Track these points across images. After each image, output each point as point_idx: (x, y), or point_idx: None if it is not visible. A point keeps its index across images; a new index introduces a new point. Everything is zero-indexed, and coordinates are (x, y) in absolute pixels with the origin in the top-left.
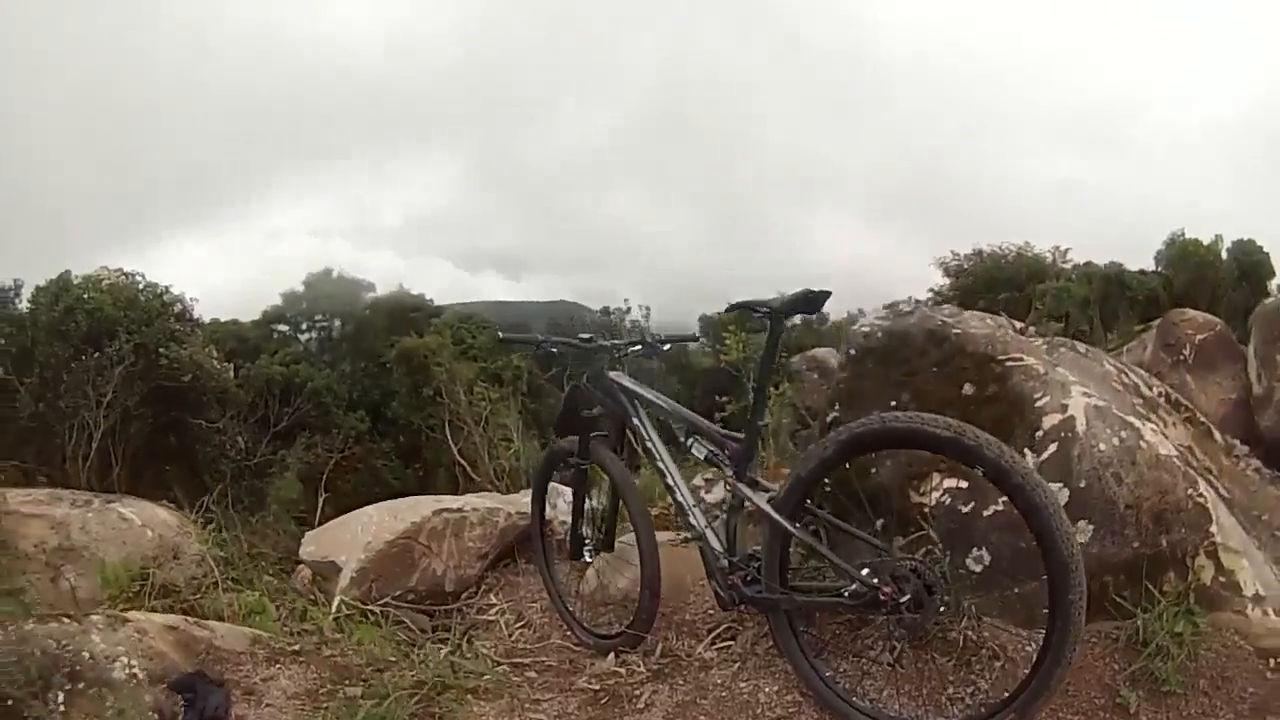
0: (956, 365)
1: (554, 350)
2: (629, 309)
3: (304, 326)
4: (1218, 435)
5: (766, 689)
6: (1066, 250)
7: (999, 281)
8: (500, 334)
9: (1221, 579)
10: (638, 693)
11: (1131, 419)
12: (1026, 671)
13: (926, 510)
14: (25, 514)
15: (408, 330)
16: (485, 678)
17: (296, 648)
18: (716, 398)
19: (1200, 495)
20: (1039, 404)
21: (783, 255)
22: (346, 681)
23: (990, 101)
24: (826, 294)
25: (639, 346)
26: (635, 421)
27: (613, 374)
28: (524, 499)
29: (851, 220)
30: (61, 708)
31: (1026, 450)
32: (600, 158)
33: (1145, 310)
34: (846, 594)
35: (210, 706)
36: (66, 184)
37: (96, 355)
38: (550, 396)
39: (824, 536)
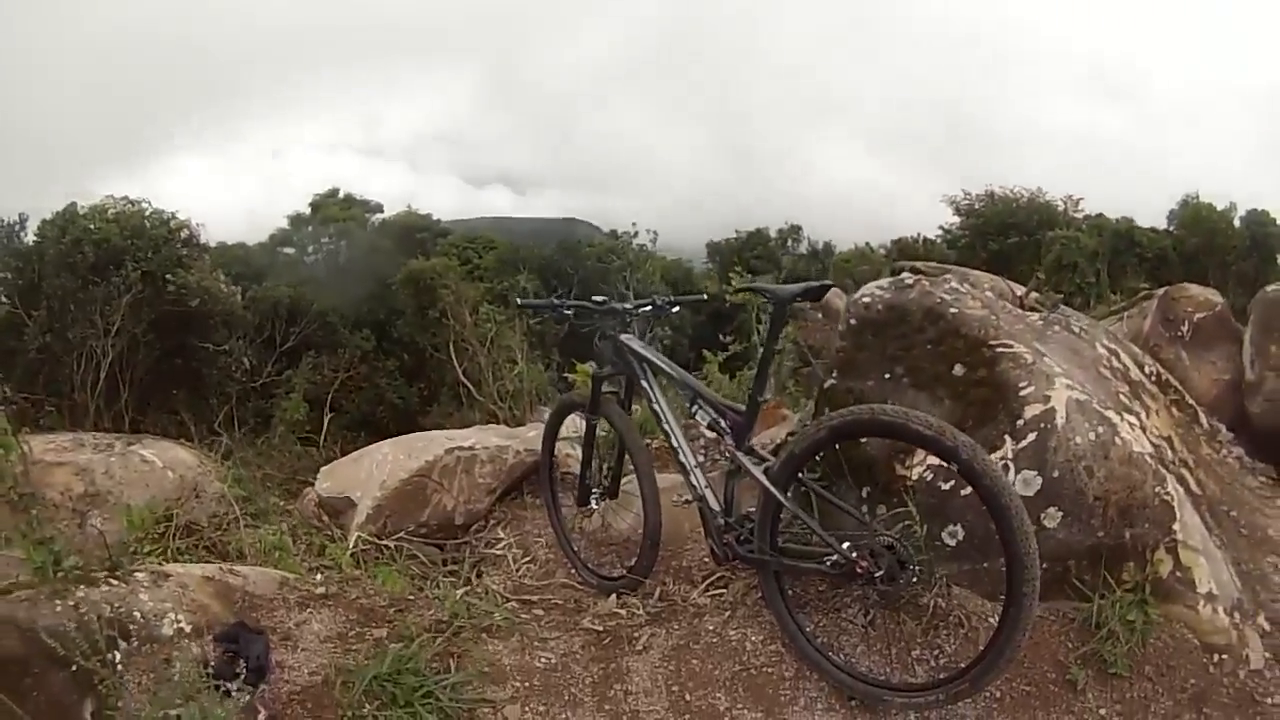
0: (950, 345)
1: (568, 311)
2: (636, 233)
3: (310, 249)
4: (1204, 419)
5: (753, 638)
6: (1079, 200)
7: (1009, 225)
8: (519, 300)
9: (1178, 574)
10: (637, 635)
11: (1111, 414)
12: (987, 641)
13: (909, 484)
14: (50, 462)
15: (415, 251)
16: (496, 616)
17: (322, 590)
18: (720, 335)
19: (1167, 493)
20: (1023, 393)
21: (791, 183)
22: (372, 624)
23: (1013, 43)
24: (829, 286)
25: (649, 308)
26: (643, 384)
27: (624, 336)
28: (530, 434)
29: (863, 150)
30: (119, 667)
31: (1007, 436)
32: (611, 77)
33: (1152, 269)
34: (828, 563)
35: (253, 655)
36: (63, 108)
37: (104, 285)
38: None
39: (814, 504)
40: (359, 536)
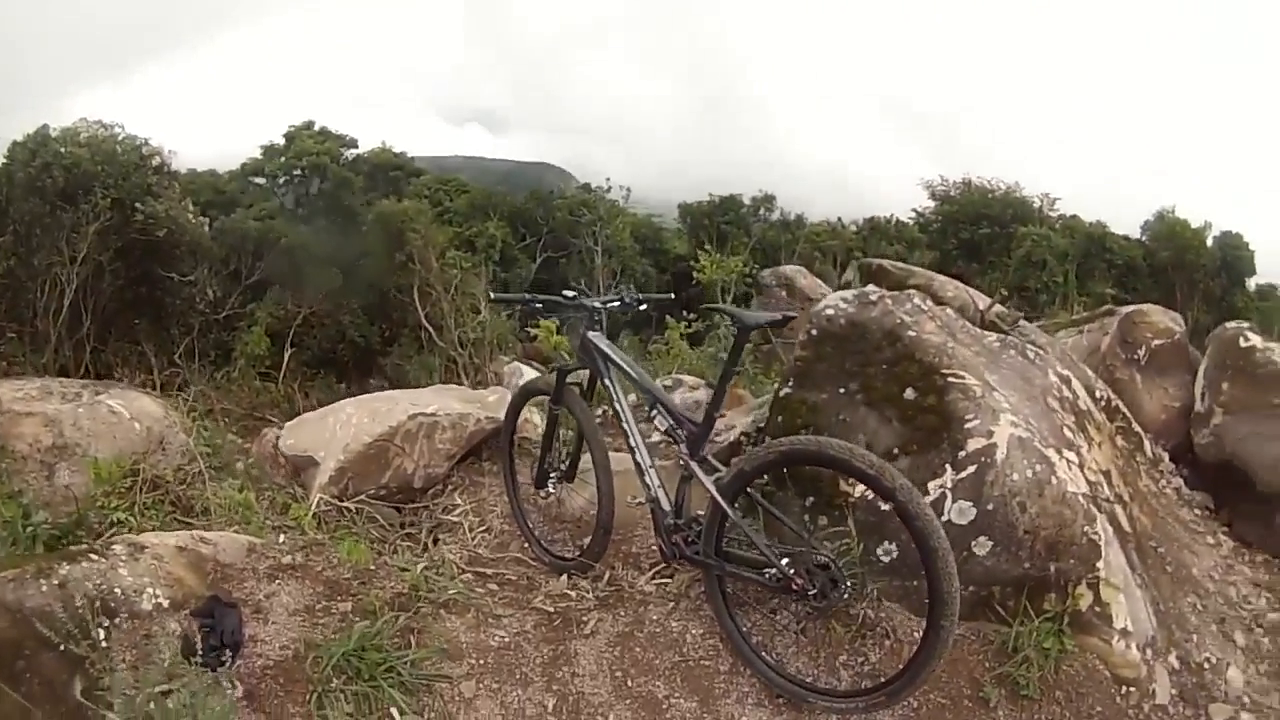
0: (905, 369)
1: (539, 305)
2: (609, 188)
3: (282, 181)
4: (1148, 448)
5: (693, 631)
6: (1055, 200)
7: (983, 215)
8: (491, 294)
9: (1097, 609)
10: (585, 619)
11: (1050, 452)
12: (911, 652)
13: (850, 500)
14: (18, 412)
15: (387, 189)
16: (453, 591)
17: (289, 559)
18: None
19: (1095, 532)
20: (969, 425)
21: (765, 151)
22: (338, 597)
23: (1012, 31)
24: (793, 316)
25: (617, 304)
26: (606, 381)
27: (591, 334)
28: (491, 398)
29: (843, 125)
30: (104, 644)
31: (948, 466)
32: (596, 26)
33: (1121, 276)
34: (767, 575)
35: (228, 629)
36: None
37: (72, 211)
38: (521, 267)
39: (760, 516)
40: (320, 498)
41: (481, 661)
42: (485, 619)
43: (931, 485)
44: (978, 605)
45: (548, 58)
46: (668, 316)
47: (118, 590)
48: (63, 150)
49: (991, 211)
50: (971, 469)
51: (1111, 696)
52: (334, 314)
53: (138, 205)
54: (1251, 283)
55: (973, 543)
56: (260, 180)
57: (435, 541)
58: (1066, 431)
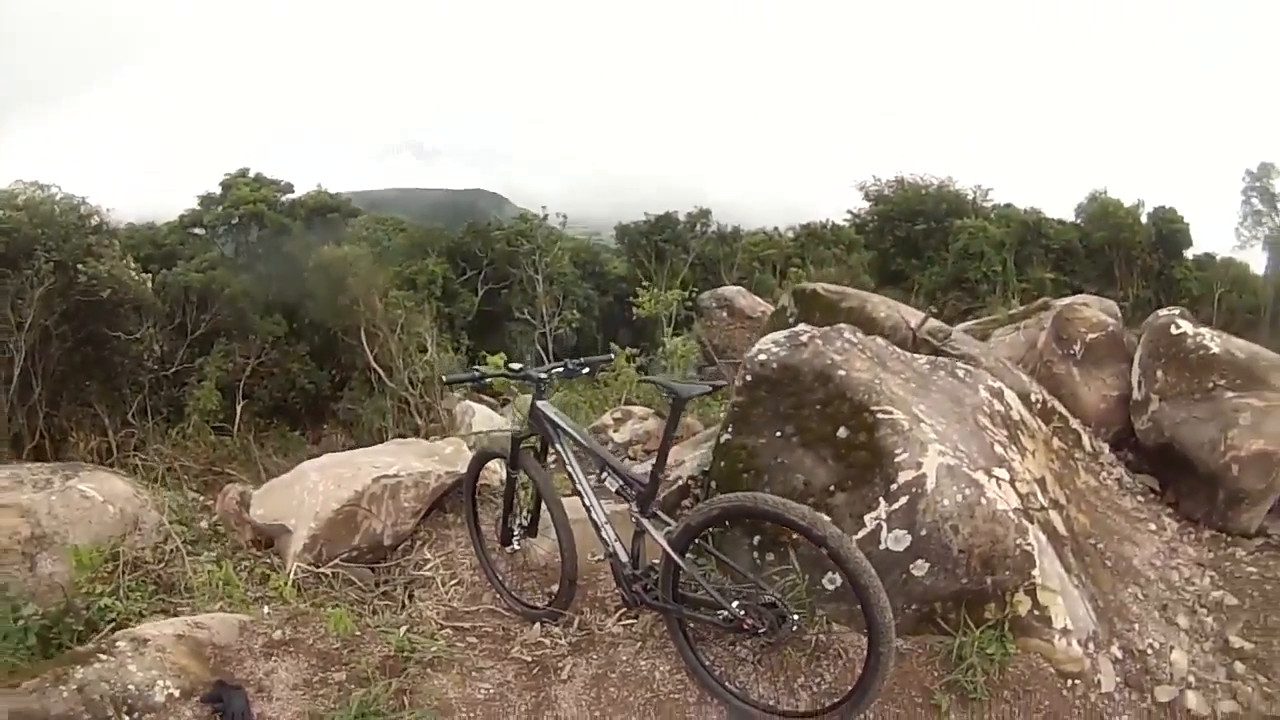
0: (836, 408)
1: (489, 383)
2: (545, 216)
3: (221, 231)
4: (1087, 442)
5: (661, 668)
6: (988, 190)
7: (918, 212)
8: (444, 377)
9: (1036, 613)
10: (561, 665)
11: (979, 474)
12: (855, 680)
13: (793, 538)
14: None
15: (326, 232)
16: (435, 649)
17: (279, 634)
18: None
19: (1028, 544)
20: (899, 459)
21: (698, 162)
22: (331, 667)
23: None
24: (722, 385)
25: (561, 370)
26: (558, 446)
27: (540, 403)
28: (447, 449)
29: (776, 134)
30: None
31: (881, 499)
32: (517, 48)
33: (1059, 260)
34: (721, 616)
35: (237, 711)
36: None
37: (15, 277)
38: (464, 300)
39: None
40: (297, 565)
41: (471, 715)
42: (469, 673)
43: (867, 518)
44: (921, 620)
45: (472, 82)
46: (612, 344)
47: (131, 687)
48: (2, 214)
49: (926, 207)
50: (904, 499)
51: (1058, 690)
52: (282, 362)
53: (80, 267)
54: (1189, 253)
55: (911, 565)
56: (199, 231)
57: (411, 598)
58: (997, 448)
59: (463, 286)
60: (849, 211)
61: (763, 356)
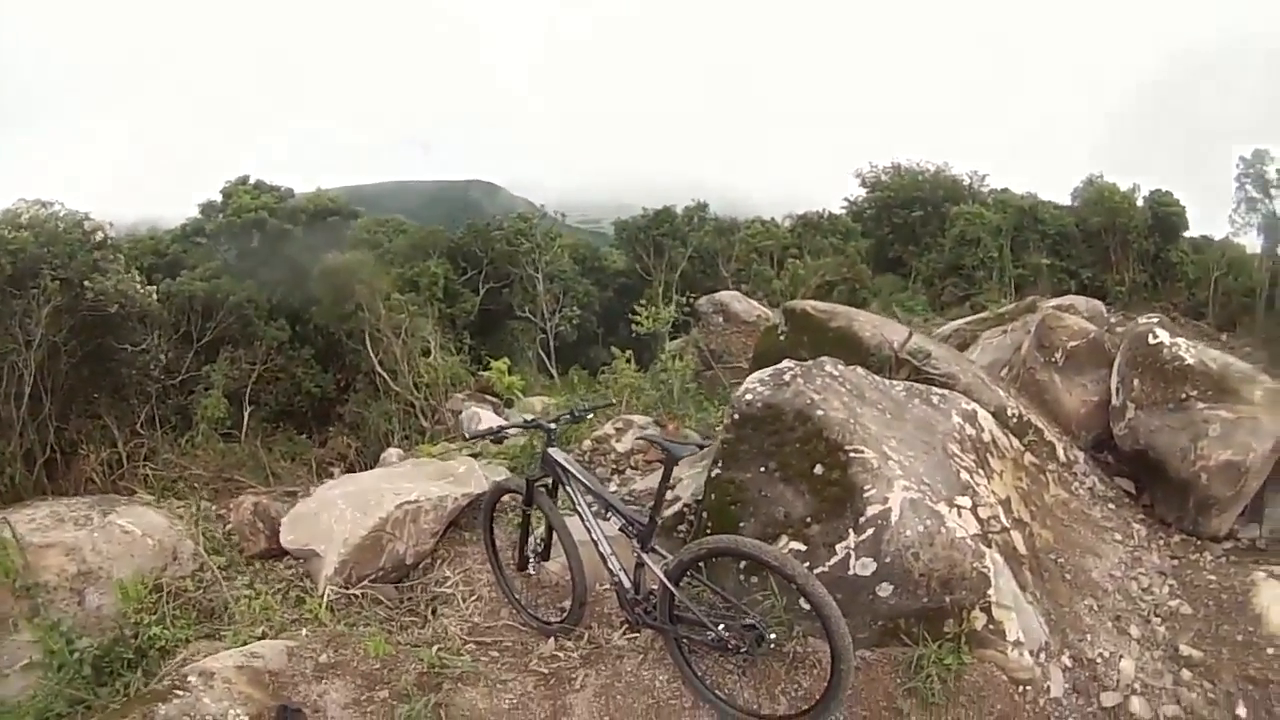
0: (814, 446)
1: (508, 432)
2: (544, 213)
3: (223, 239)
4: (1062, 453)
5: (661, 678)
6: (985, 176)
7: (914, 199)
8: (465, 434)
9: (991, 627)
10: (573, 676)
11: (941, 506)
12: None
13: (773, 565)
14: (39, 545)
15: (327, 235)
16: (462, 665)
17: (324, 658)
18: (629, 312)
19: (985, 566)
20: (867, 494)
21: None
22: (375, 686)
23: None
24: (705, 446)
25: (568, 417)
26: (568, 489)
27: (551, 450)
28: (460, 469)
29: (774, 128)
30: None
31: (850, 530)
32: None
33: (1055, 245)
34: (709, 636)
35: None
36: None
37: (22, 297)
38: (465, 300)
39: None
40: (329, 588)
41: None
42: (494, 686)
43: (839, 546)
44: (885, 634)
45: (467, 72)
46: (612, 348)
47: (208, 717)
48: (6, 234)
49: (923, 193)
50: (870, 531)
51: (1009, 696)
52: (287, 367)
53: (86, 283)
54: (1185, 235)
55: (876, 588)
56: (202, 240)
57: (434, 613)
58: (964, 475)
59: (464, 286)
60: (845, 199)
61: (749, 396)
